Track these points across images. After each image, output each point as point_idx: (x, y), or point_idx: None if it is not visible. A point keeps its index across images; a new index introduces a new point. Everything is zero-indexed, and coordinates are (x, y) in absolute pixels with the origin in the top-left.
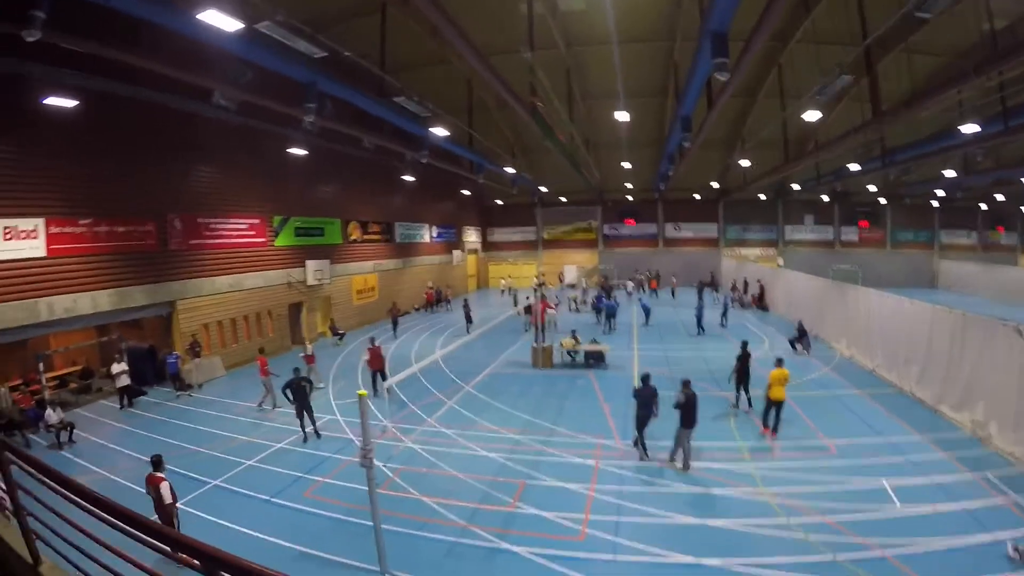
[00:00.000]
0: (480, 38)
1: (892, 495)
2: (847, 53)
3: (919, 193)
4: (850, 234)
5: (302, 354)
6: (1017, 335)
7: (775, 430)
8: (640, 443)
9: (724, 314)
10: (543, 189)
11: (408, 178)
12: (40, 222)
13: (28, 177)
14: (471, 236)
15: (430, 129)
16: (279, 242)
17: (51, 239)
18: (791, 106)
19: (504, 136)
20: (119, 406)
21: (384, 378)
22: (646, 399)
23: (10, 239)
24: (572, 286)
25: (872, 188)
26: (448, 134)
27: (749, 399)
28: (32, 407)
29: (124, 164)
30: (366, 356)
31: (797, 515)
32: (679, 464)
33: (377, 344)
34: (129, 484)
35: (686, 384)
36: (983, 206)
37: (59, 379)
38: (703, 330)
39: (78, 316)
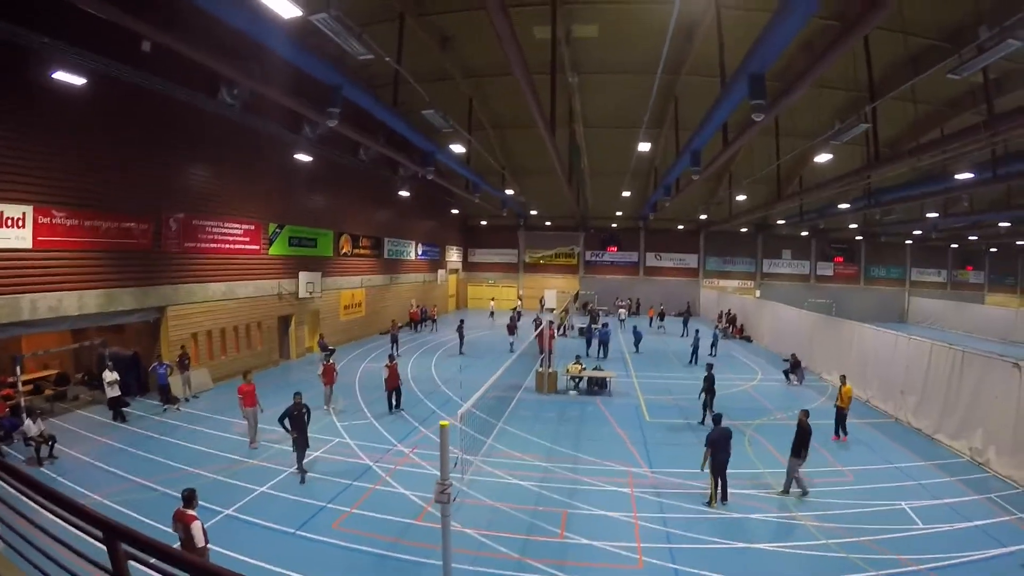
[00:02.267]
0: (488, 59)
1: (913, 516)
2: (846, 97)
3: (895, 232)
4: (825, 269)
5: (321, 370)
6: (1015, 369)
7: (845, 433)
8: (722, 489)
9: (714, 344)
10: (533, 212)
11: (404, 193)
12: (28, 210)
13: (19, 159)
14: (453, 255)
15: (450, 146)
16: (273, 251)
17: (38, 229)
18: (787, 144)
19: (496, 157)
20: (112, 418)
21: (400, 396)
22: (723, 441)
23: None
24: (552, 310)
25: (853, 226)
26: (464, 151)
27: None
28: (7, 415)
29: (122, 155)
30: (385, 374)
31: (834, 537)
32: (795, 493)
33: (395, 362)
34: (123, 510)
35: (804, 415)
36: (954, 245)
37: (33, 384)
38: (696, 359)
39: (63, 317)
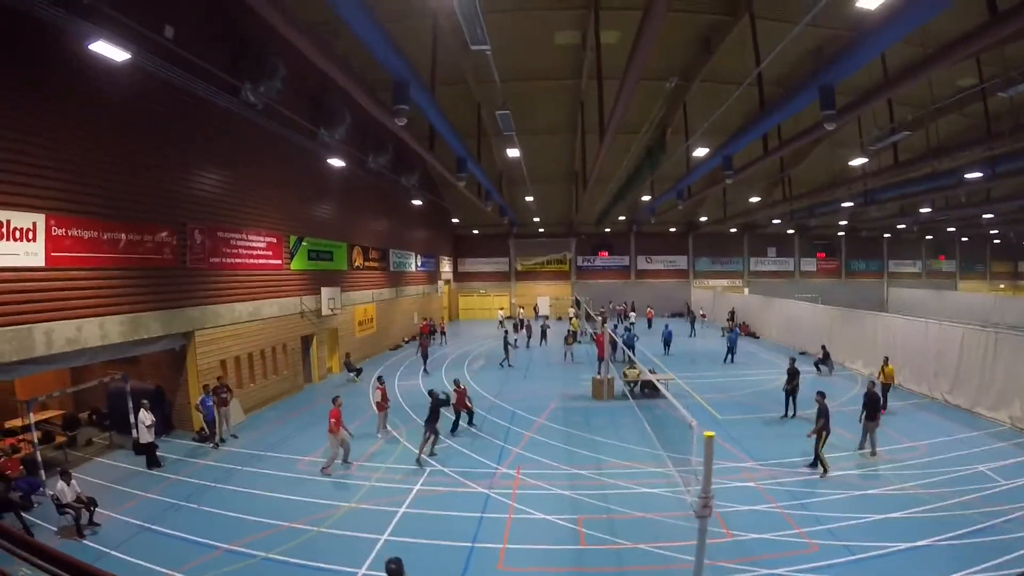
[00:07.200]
0: (508, 64)
1: (993, 475)
2: (843, 101)
3: (875, 226)
4: (808, 265)
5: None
6: None
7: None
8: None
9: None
10: (536, 219)
11: (414, 202)
12: (40, 218)
13: (30, 157)
14: (444, 266)
15: (507, 150)
16: (294, 265)
17: (52, 243)
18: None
19: (494, 165)
20: (146, 466)
21: (472, 416)
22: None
23: None
24: (547, 317)
25: (842, 222)
26: (518, 155)
27: (795, 409)
28: (22, 475)
29: (145, 157)
30: (454, 398)
31: (945, 499)
32: (868, 452)
33: (463, 386)
34: None
35: (871, 385)
36: (928, 237)
37: (41, 432)
38: (733, 359)
39: (83, 349)
